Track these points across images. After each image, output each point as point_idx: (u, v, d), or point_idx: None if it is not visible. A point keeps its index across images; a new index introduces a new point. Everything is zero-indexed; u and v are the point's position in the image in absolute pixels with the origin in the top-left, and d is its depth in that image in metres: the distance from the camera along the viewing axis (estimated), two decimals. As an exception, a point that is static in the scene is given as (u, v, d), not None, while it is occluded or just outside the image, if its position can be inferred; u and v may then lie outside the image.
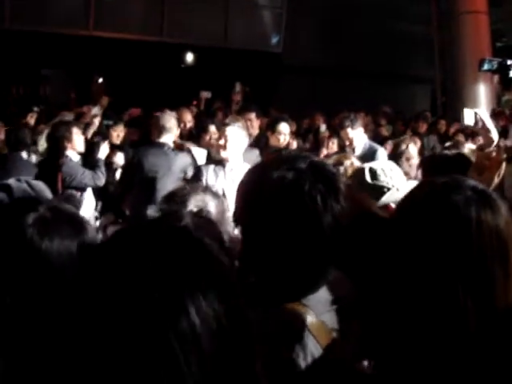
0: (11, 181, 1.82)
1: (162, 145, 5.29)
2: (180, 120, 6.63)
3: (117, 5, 12.21)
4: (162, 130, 5.30)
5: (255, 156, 5.37)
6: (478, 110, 3.30)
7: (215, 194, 2.44)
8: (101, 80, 13.63)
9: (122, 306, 0.82)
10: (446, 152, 3.51)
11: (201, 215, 2.17)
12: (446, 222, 1.13)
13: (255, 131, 6.64)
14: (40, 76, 13.29)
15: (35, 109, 8.34)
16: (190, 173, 5.23)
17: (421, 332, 1.14)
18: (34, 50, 11.57)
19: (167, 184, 4.87)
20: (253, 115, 6.68)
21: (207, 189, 2.46)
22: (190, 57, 13.91)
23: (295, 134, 7.57)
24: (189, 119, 7.08)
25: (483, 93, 10.78)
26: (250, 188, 1.46)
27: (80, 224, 1.37)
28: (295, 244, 1.39)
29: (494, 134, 3.29)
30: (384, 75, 12.99)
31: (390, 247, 1.23)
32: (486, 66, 3.10)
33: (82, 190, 5.70)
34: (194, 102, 9.86)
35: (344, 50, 12.77)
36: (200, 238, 0.93)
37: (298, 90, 12.15)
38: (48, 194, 1.78)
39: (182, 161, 5.29)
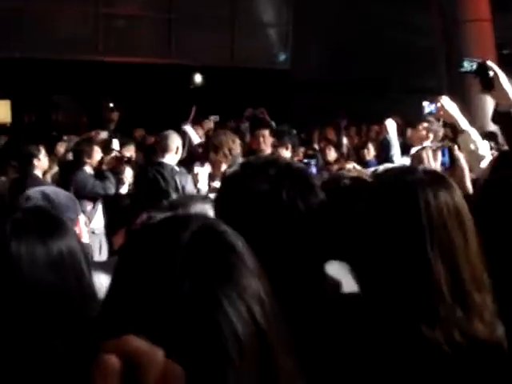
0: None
1: (163, 165, 5.39)
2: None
3: (125, 29, 12.36)
4: (165, 149, 5.44)
5: None
6: (442, 99, 3.26)
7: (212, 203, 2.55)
8: (111, 104, 13.75)
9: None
10: None
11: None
12: (400, 199, 1.40)
13: (268, 148, 6.65)
14: (51, 103, 13.41)
15: (65, 138, 8.39)
16: (190, 188, 5.32)
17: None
18: (44, 76, 11.68)
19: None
20: (267, 132, 6.72)
21: (206, 198, 2.55)
22: (198, 78, 14.02)
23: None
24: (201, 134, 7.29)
25: (490, 101, 10.71)
26: (230, 206, 1.44)
27: (57, 226, 1.35)
28: (290, 248, 1.37)
29: (462, 121, 3.21)
30: (392, 87, 12.99)
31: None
32: (464, 67, 3.01)
33: (94, 200, 5.87)
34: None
35: (352, 63, 12.80)
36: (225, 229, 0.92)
37: (308, 106, 12.16)
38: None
39: (181, 179, 5.37)
